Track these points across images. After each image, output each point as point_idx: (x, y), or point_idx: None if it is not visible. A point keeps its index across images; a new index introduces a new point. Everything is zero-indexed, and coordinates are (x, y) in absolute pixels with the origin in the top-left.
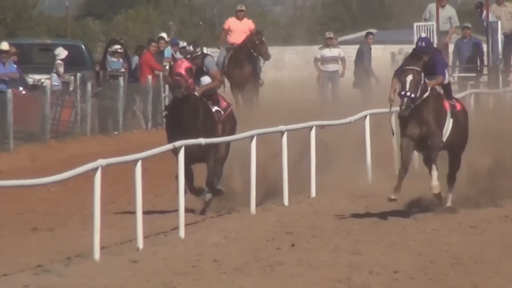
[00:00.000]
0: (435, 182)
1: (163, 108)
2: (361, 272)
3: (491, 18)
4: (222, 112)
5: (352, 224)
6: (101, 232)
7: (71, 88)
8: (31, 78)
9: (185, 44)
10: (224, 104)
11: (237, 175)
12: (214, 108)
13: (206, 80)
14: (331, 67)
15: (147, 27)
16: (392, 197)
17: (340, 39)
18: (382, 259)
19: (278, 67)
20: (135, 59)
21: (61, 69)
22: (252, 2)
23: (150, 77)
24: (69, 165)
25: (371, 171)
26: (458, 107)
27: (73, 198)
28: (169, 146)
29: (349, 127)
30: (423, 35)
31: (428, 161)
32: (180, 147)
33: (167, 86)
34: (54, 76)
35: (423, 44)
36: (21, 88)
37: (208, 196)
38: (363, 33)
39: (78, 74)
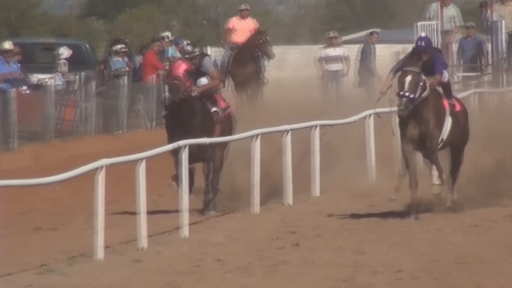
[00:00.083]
0: (435, 181)
1: (163, 108)
2: (365, 271)
3: (495, 17)
4: (221, 113)
5: (356, 224)
6: (104, 232)
7: (74, 88)
8: (35, 78)
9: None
10: (223, 104)
11: (241, 175)
12: (213, 109)
13: (203, 81)
14: (335, 66)
15: (151, 26)
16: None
17: (344, 38)
18: (386, 258)
19: (281, 66)
20: (139, 59)
21: (65, 69)
22: (256, 1)
23: (153, 76)
24: (73, 165)
25: (375, 170)
26: (458, 106)
27: (76, 197)
28: (173, 145)
29: (352, 127)
30: (423, 34)
31: (428, 161)
32: (182, 147)
33: (166, 86)
34: (58, 75)
35: (423, 43)
36: (24, 88)
37: (208, 196)
38: (367, 32)
39: (82, 74)
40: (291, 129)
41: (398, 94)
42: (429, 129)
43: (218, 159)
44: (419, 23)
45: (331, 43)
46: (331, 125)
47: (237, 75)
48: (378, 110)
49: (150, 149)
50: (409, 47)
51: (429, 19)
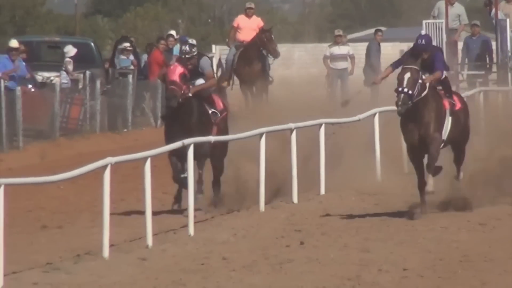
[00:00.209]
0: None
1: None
2: (371, 269)
3: (500, 15)
4: (219, 114)
5: (361, 222)
6: (110, 230)
7: (80, 86)
8: (40, 76)
9: (194, 42)
10: (220, 106)
11: (247, 173)
12: (211, 110)
13: (200, 82)
14: (340, 64)
15: (156, 24)
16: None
17: (349, 36)
18: (391, 256)
19: (287, 64)
20: (144, 57)
21: (70, 67)
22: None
23: None
24: (78, 163)
25: (380, 168)
26: (458, 105)
27: (82, 195)
28: (179, 143)
29: (358, 125)
30: (423, 32)
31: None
32: (189, 145)
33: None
34: (63, 73)
35: (423, 42)
36: (30, 86)
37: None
38: (372, 30)
39: (87, 72)
40: (296, 128)
41: (396, 90)
42: (429, 134)
43: (219, 157)
44: (425, 22)
45: (336, 41)
46: (335, 124)
47: (243, 74)
48: (382, 109)
49: (156, 148)
50: None
51: (434, 17)
